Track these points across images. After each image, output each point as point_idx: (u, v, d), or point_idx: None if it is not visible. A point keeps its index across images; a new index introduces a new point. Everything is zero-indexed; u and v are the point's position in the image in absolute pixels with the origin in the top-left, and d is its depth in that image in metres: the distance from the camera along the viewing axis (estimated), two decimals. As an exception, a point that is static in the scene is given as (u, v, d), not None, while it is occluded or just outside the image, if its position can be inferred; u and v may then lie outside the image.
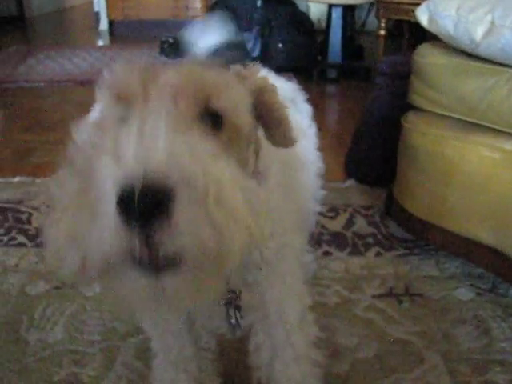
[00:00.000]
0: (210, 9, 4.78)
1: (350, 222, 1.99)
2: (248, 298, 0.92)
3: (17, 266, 1.75)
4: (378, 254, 1.80)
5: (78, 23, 7.15)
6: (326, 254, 1.79)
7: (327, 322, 1.45)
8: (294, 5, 4.42)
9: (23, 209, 2.11)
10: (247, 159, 0.72)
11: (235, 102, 0.69)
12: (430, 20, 1.49)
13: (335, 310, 1.52)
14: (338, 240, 1.87)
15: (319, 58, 4.16)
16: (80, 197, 0.53)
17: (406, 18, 2.84)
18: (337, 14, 3.74)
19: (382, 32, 2.98)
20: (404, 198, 1.75)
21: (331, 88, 3.89)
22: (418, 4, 2.74)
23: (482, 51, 1.39)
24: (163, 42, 3.64)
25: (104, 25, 5.93)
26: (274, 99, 0.77)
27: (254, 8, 4.13)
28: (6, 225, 2.00)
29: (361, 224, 1.98)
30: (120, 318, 1.49)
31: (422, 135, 1.59)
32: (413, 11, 2.77)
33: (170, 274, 0.53)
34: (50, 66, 4.35)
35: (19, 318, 1.51)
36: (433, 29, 1.50)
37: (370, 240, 1.88)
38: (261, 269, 0.88)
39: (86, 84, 3.73)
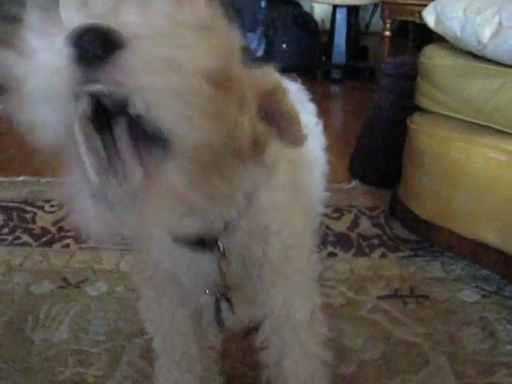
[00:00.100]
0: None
1: (354, 223, 1.99)
2: (253, 292, 0.91)
3: (21, 265, 1.75)
4: (382, 256, 1.79)
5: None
6: (331, 254, 1.79)
7: (333, 323, 1.43)
8: (298, 5, 4.42)
9: (28, 208, 2.11)
10: (236, 123, 0.68)
11: (230, 50, 0.65)
12: (437, 21, 1.49)
13: (340, 311, 1.52)
14: (342, 241, 1.87)
15: (323, 58, 4.16)
16: (43, 34, 0.53)
17: (411, 18, 2.84)
18: (341, 15, 3.74)
19: (387, 33, 2.97)
20: (409, 200, 1.75)
21: (335, 88, 3.89)
22: (424, 5, 2.73)
23: (489, 52, 1.39)
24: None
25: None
26: (286, 99, 0.76)
27: (258, 8, 4.13)
28: (11, 224, 2.00)
29: (365, 225, 1.98)
30: (125, 318, 1.49)
31: (428, 136, 1.59)
32: (418, 12, 2.78)
33: (127, 204, 0.54)
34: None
35: (24, 317, 1.51)
36: (439, 30, 1.50)
37: (375, 241, 1.88)
38: (263, 265, 0.88)
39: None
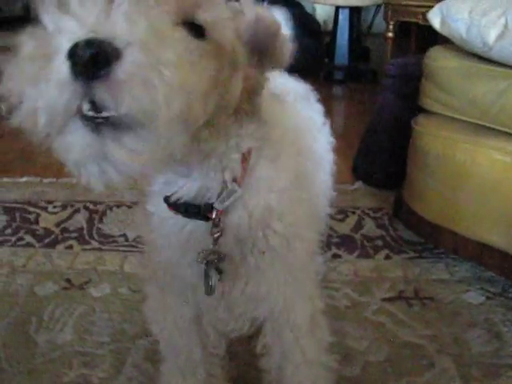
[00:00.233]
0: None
1: (358, 225, 1.98)
2: (252, 288, 0.91)
3: (25, 266, 1.75)
4: (387, 257, 1.79)
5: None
6: (335, 256, 1.79)
7: (337, 325, 1.44)
8: (300, 6, 4.42)
9: (31, 209, 2.11)
10: (228, 83, 0.71)
11: (222, 19, 0.69)
12: (443, 23, 1.49)
13: (345, 312, 1.52)
14: (346, 242, 1.87)
15: (326, 59, 4.15)
16: (40, 48, 0.56)
17: (414, 20, 2.84)
18: (343, 16, 3.74)
19: (390, 34, 2.97)
20: (414, 201, 1.74)
21: (338, 90, 3.88)
22: (427, 6, 2.74)
23: (495, 54, 1.39)
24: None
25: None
26: (269, 22, 0.75)
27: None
28: (14, 225, 2.00)
29: (369, 226, 1.97)
30: (129, 320, 1.49)
31: (433, 138, 1.58)
32: (421, 13, 2.78)
33: (111, 129, 0.55)
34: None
35: (28, 318, 1.50)
36: (445, 32, 1.50)
37: (379, 242, 1.87)
38: (264, 252, 0.87)
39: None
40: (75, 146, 0.57)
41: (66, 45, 0.53)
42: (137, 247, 1.82)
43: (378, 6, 4.16)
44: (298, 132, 0.97)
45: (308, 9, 4.99)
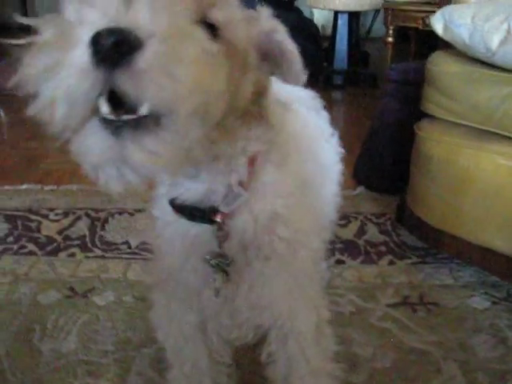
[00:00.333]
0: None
1: (361, 230, 1.98)
2: (256, 295, 0.90)
3: (27, 274, 1.74)
4: (391, 263, 1.79)
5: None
6: (339, 262, 1.79)
7: (343, 331, 1.44)
8: (299, 11, 4.42)
9: (32, 217, 2.10)
10: (239, 83, 0.71)
11: (235, 19, 0.70)
12: (445, 28, 1.49)
13: (350, 319, 1.51)
14: (350, 248, 1.86)
15: (325, 64, 4.15)
16: (61, 38, 0.56)
17: (414, 25, 2.84)
18: (343, 21, 3.75)
19: (390, 39, 2.97)
20: (417, 207, 1.74)
21: (337, 94, 3.88)
22: (427, 11, 2.76)
23: (498, 60, 1.39)
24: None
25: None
26: (284, 38, 0.77)
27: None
28: (16, 233, 1.99)
29: (372, 232, 1.97)
30: (133, 328, 1.48)
31: (436, 143, 1.58)
32: (421, 18, 2.78)
33: (131, 131, 0.56)
34: (55, 72, 4.35)
35: (32, 327, 1.49)
36: (448, 37, 1.50)
37: (383, 248, 1.87)
38: (268, 258, 0.86)
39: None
40: (94, 149, 0.57)
41: (87, 33, 0.53)
42: (140, 254, 1.82)
43: (377, 10, 4.17)
44: (305, 139, 0.97)
45: (306, 13, 4.99)
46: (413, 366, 1.36)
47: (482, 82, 1.46)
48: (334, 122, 1.27)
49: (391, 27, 2.94)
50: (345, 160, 1.20)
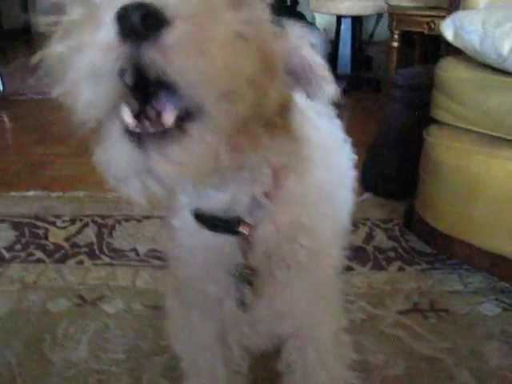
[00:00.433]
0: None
1: (369, 236, 1.97)
2: (278, 304, 0.90)
3: (36, 282, 1.73)
4: (400, 269, 1.78)
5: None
6: (348, 269, 1.78)
7: (354, 338, 1.43)
8: (301, 16, 4.43)
9: (39, 224, 2.10)
10: (265, 89, 0.69)
11: (261, 18, 0.67)
12: (456, 35, 1.48)
13: (361, 326, 1.51)
14: (359, 254, 1.86)
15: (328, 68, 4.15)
16: (85, 17, 0.55)
17: (419, 29, 2.84)
18: (346, 25, 3.75)
19: (395, 44, 2.97)
20: (426, 212, 1.73)
21: (341, 99, 3.87)
22: (432, 16, 2.76)
23: (509, 65, 1.38)
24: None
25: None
26: (313, 54, 0.77)
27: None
28: (23, 240, 1.99)
29: (381, 238, 1.97)
30: (144, 336, 1.48)
31: (447, 150, 1.58)
32: (427, 23, 2.79)
33: (156, 142, 0.55)
34: (58, 78, 4.35)
35: (42, 336, 1.49)
36: (458, 43, 1.49)
37: (391, 254, 1.86)
38: (291, 267, 0.86)
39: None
40: (118, 161, 0.57)
41: (114, 10, 0.52)
42: (148, 262, 1.82)
43: (380, 14, 4.17)
44: (324, 148, 0.96)
45: (308, 18, 5.00)
46: (425, 374, 1.35)
47: (492, 87, 1.46)
48: (339, 127, 1.27)
49: (396, 32, 2.94)
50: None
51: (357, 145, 1.25)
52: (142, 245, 1.91)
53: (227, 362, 1.08)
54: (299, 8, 4.90)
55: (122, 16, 0.51)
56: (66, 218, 2.13)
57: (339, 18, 3.97)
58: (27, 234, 2.02)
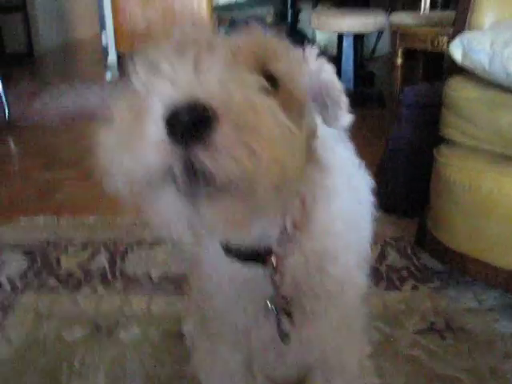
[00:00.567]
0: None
1: (382, 255, 1.97)
2: (307, 334, 0.90)
3: (50, 311, 1.73)
4: (414, 288, 1.78)
5: (86, 57, 7.20)
6: (363, 289, 1.78)
7: (373, 360, 1.43)
8: (302, 34, 4.46)
9: (51, 250, 2.10)
10: (299, 131, 0.72)
11: (292, 69, 0.71)
12: (464, 55, 1.49)
13: (379, 348, 1.50)
14: (372, 274, 1.85)
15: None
16: (133, 114, 0.57)
17: (423, 46, 2.85)
18: (348, 43, 3.77)
19: (399, 61, 2.98)
20: (439, 231, 1.74)
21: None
22: (437, 33, 2.77)
23: (519, 85, 1.39)
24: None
25: (113, 58, 5.97)
26: (331, 78, 0.79)
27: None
28: (35, 268, 1.98)
29: (393, 257, 1.96)
30: (161, 363, 1.48)
31: (458, 169, 1.58)
32: (430, 40, 2.80)
33: (205, 198, 0.57)
34: (62, 101, 4.37)
35: (59, 365, 1.49)
36: (467, 63, 1.50)
37: (405, 273, 1.86)
38: (320, 296, 0.87)
39: (100, 120, 3.74)
40: (169, 212, 0.59)
41: (161, 108, 0.54)
42: (162, 287, 1.81)
43: (380, 31, 4.19)
44: (345, 175, 0.97)
45: (308, 34, 5.04)
46: (446, 395, 1.35)
47: (502, 106, 1.46)
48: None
49: (400, 49, 2.96)
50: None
51: (366, 162, 1.25)
52: (155, 269, 1.91)
53: None
54: (300, 25, 4.93)
55: (173, 117, 0.53)
56: (78, 244, 2.13)
57: (340, 36, 3.99)
58: (39, 262, 2.02)
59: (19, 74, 5.54)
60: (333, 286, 0.86)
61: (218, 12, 5.12)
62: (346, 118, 0.81)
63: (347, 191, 0.94)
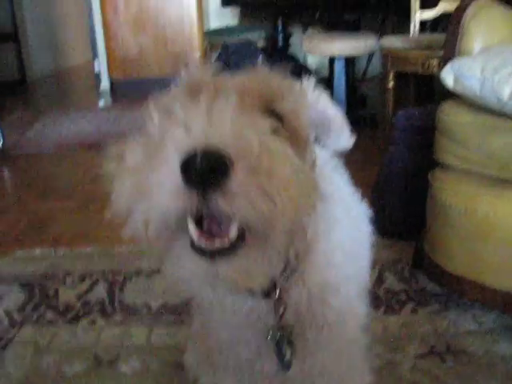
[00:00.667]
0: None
1: (380, 279, 1.98)
2: (309, 364, 0.90)
3: (49, 345, 1.72)
4: (413, 311, 1.78)
5: (79, 83, 7.24)
6: (362, 314, 1.78)
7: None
8: (294, 58, 4.51)
9: (49, 283, 2.09)
10: (304, 163, 0.74)
11: (296, 107, 0.73)
12: (456, 81, 1.52)
13: (380, 373, 1.50)
14: (371, 299, 1.85)
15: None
16: (149, 159, 0.58)
17: (414, 70, 2.89)
18: (339, 66, 3.80)
19: (391, 84, 3.01)
20: (436, 254, 1.74)
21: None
22: (427, 56, 2.81)
23: (510, 110, 1.41)
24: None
25: (105, 85, 6.01)
26: (328, 106, 0.83)
27: (255, 63, 4.19)
28: (34, 301, 1.98)
29: (391, 280, 1.97)
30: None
31: (453, 194, 1.60)
32: (421, 64, 2.84)
33: (223, 257, 0.59)
34: (56, 130, 4.38)
35: (60, 400, 1.48)
36: (459, 89, 1.52)
37: (403, 296, 1.87)
38: (322, 327, 0.87)
39: (95, 147, 3.76)
40: (187, 273, 0.61)
41: (178, 156, 0.55)
42: (161, 317, 1.81)
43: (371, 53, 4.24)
44: (344, 205, 0.98)
45: (300, 58, 5.09)
46: (450, 420, 1.35)
47: (495, 130, 1.48)
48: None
49: (391, 72, 2.99)
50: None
51: (361, 186, 1.25)
52: (154, 300, 1.91)
53: None
54: (291, 49, 4.99)
55: (189, 164, 0.54)
56: (76, 276, 2.12)
57: (332, 58, 4.03)
58: (37, 295, 2.01)
59: (12, 102, 5.56)
60: (334, 317, 0.87)
61: (210, 37, 5.16)
62: (349, 140, 0.83)
63: (346, 221, 0.95)
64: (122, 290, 2.00)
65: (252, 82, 0.72)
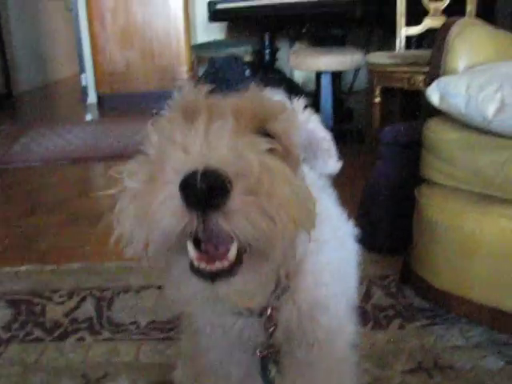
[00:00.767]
0: (198, 80, 4.88)
1: (367, 295, 1.98)
2: (299, 382, 0.91)
3: (37, 363, 1.71)
4: (401, 327, 1.79)
5: (65, 97, 7.23)
6: (350, 330, 1.78)
7: (363, 404, 1.43)
8: (281, 72, 4.53)
9: (36, 300, 2.08)
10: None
11: (288, 126, 0.75)
12: (442, 99, 1.54)
13: (368, 390, 1.51)
14: (359, 314, 1.86)
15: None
16: (150, 183, 0.59)
17: (399, 85, 2.92)
18: (326, 81, 3.83)
19: (377, 100, 3.04)
20: (423, 270, 1.76)
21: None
22: (412, 72, 2.84)
23: (495, 128, 1.43)
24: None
25: (92, 99, 6.00)
26: (318, 128, 0.86)
27: (243, 77, 4.22)
28: (20, 319, 1.96)
29: (379, 295, 1.98)
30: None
31: (440, 210, 1.61)
32: (407, 79, 2.87)
33: (223, 278, 0.60)
34: (43, 144, 4.37)
35: (47, 420, 1.47)
36: (444, 107, 1.54)
37: (391, 312, 1.87)
38: (312, 346, 0.88)
39: (81, 161, 3.76)
40: (187, 295, 0.62)
41: (178, 178, 0.56)
42: (150, 335, 1.80)
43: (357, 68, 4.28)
44: (331, 225, 0.99)
45: (286, 71, 5.12)
46: None
47: (480, 147, 1.50)
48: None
49: (377, 88, 3.02)
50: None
51: (348, 200, 1.26)
52: (142, 317, 1.90)
53: None
54: (278, 64, 5.01)
55: (189, 186, 0.55)
56: (63, 293, 2.11)
57: (319, 73, 4.06)
58: (24, 312, 2.00)
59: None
60: (324, 335, 0.88)
61: (197, 51, 5.18)
62: (336, 165, 0.85)
63: (333, 241, 0.96)
64: (109, 307, 1.99)
65: (245, 102, 0.73)
